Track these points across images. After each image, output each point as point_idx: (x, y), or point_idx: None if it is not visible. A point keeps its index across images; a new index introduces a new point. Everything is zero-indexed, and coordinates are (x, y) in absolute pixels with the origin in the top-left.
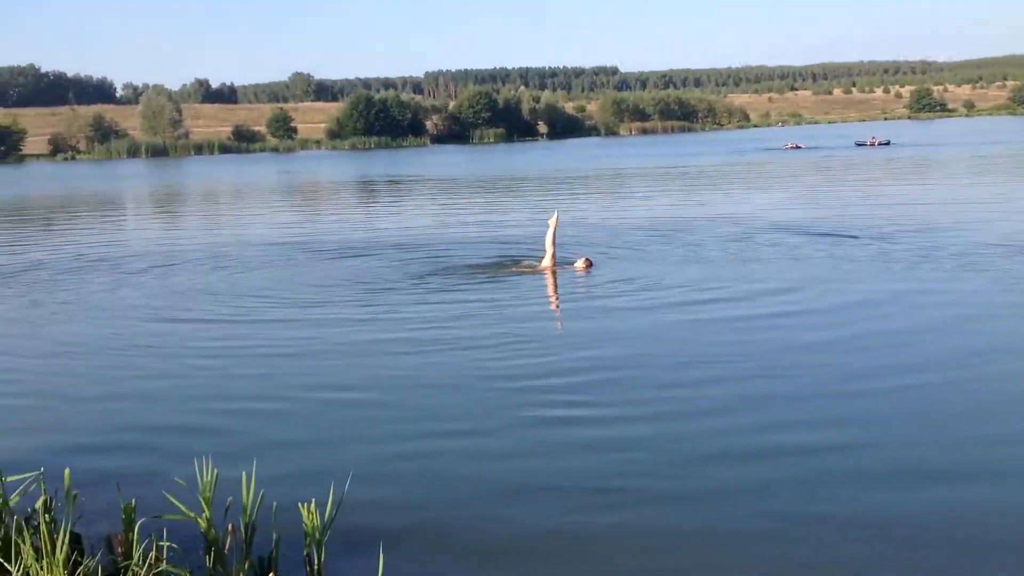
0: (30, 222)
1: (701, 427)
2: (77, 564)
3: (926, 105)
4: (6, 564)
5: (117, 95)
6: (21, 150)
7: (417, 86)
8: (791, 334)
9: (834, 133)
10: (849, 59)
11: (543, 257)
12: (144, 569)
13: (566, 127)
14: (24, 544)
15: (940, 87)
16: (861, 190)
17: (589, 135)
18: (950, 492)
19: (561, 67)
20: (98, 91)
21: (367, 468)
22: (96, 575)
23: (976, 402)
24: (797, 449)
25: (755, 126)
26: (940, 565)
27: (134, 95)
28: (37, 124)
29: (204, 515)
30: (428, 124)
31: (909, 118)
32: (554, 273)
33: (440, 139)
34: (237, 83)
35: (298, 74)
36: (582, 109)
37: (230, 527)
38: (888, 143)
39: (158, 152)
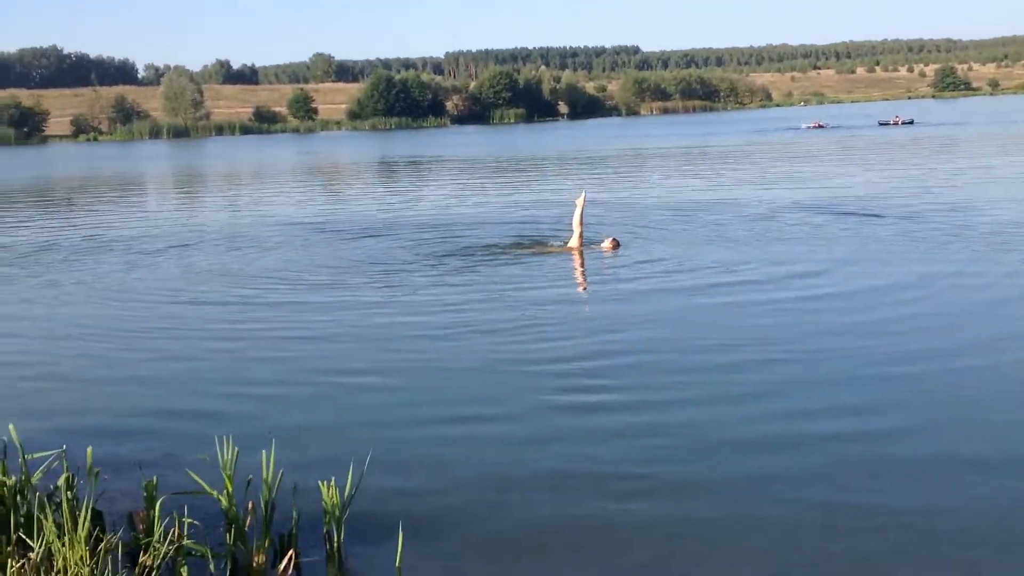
0: (51, 203)
1: (726, 413)
2: (99, 540)
3: (950, 84)
4: (28, 540)
5: (139, 76)
6: (44, 131)
7: (437, 66)
8: (819, 318)
9: (857, 112)
10: (873, 37)
11: (570, 237)
12: (165, 545)
13: (587, 107)
14: (46, 520)
15: (964, 66)
16: (885, 170)
17: (610, 115)
18: (981, 481)
19: (582, 46)
20: (120, 72)
21: (386, 451)
22: (117, 551)
23: (1007, 388)
24: (825, 436)
25: (777, 105)
26: (968, 557)
27: (156, 76)
28: (59, 105)
29: (225, 492)
30: (448, 104)
31: (933, 97)
32: (581, 253)
33: (460, 120)
34: (258, 64)
35: (319, 55)
36: (603, 89)
37: (251, 505)
38: (912, 122)
39: (179, 133)
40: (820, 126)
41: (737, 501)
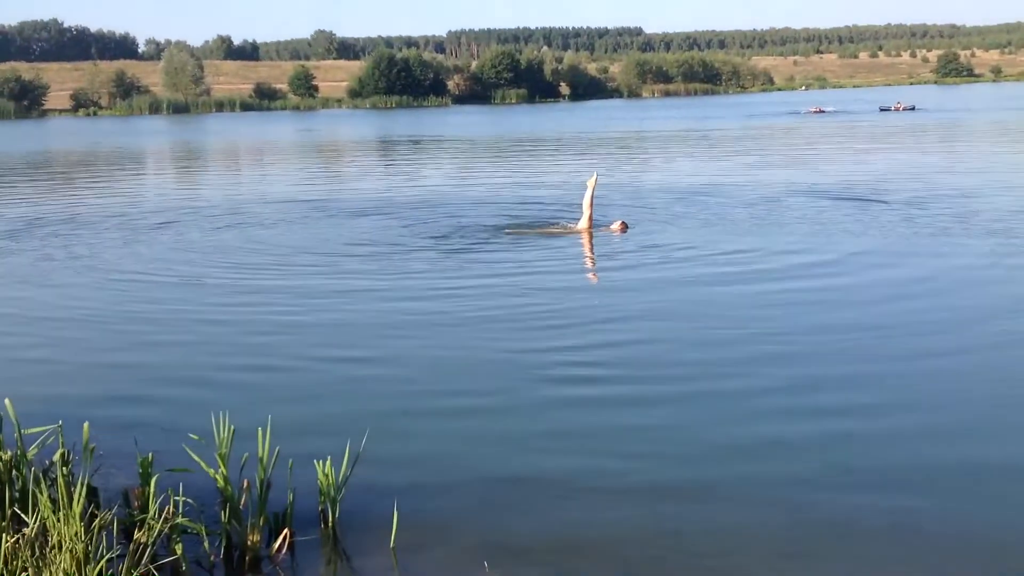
0: (50, 177)
1: (733, 411)
2: (93, 517)
3: (953, 70)
4: (23, 515)
5: (139, 51)
6: (43, 104)
7: (439, 45)
8: (827, 310)
9: (859, 97)
10: (876, 22)
11: (579, 219)
12: (160, 523)
13: (588, 88)
14: (41, 496)
15: (967, 52)
16: (885, 156)
17: (611, 97)
18: (996, 484)
19: (584, 27)
20: (120, 47)
21: (383, 432)
22: (112, 528)
23: (1013, 390)
24: (835, 435)
25: (779, 89)
26: (976, 563)
27: (156, 51)
28: (59, 79)
29: (220, 471)
30: (450, 84)
31: (935, 83)
32: (591, 235)
33: (461, 99)
34: (259, 40)
35: (320, 31)
36: (605, 70)
37: (245, 483)
38: (913, 108)
39: (179, 109)
40: (821, 111)
41: (742, 503)
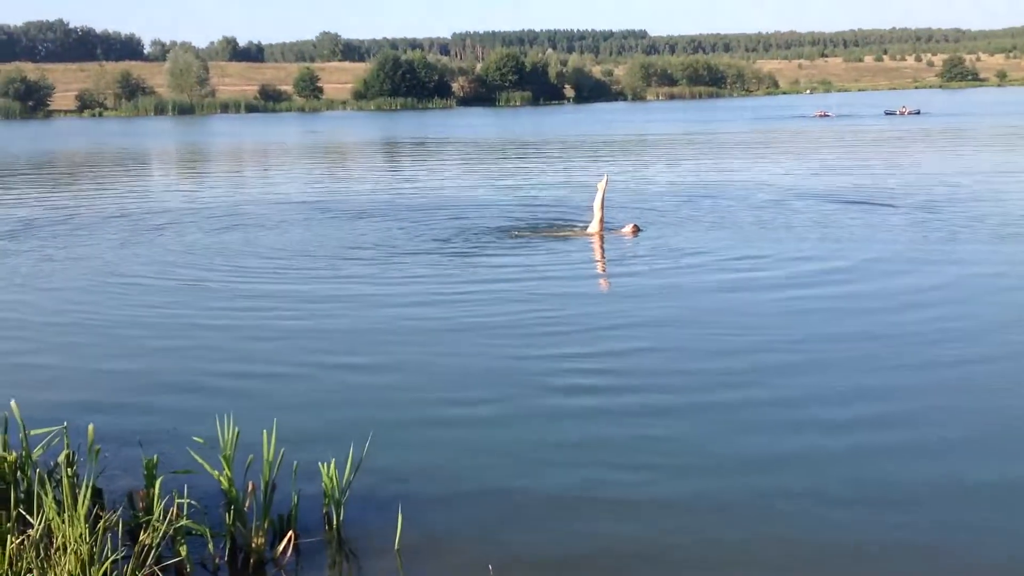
0: (55, 177)
1: (741, 422)
2: (98, 518)
3: (958, 74)
4: (28, 516)
5: (145, 52)
6: (49, 105)
7: (444, 47)
8: (838, 318)
9: (864, 101)
10: (881, 26)
11: (590, 221)
12: (165, 525)
13: (593, 91)
14: (46, 497)
15: (972, 56)
16: (890, 160)
17: (616, 100)
18: (1008, 501)
19: (589, 30)
20: (126, 48)
21: (387, 434)
22: (117, 529)
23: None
24: (846, 449)
25: (784, 93)
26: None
27: (162, 52)
28: (65, 80)
29: (225, 473)
30: (454, 86)
31: (940, 87)
32: (602, 238)
33: (466, 101)
34: (264, 42)
35: (325, 33)
36: (609, 73)
37: (250, 485)
38: (918, 112)
39: (184, 110)
40: (825, 115)
41: (749, 517)
